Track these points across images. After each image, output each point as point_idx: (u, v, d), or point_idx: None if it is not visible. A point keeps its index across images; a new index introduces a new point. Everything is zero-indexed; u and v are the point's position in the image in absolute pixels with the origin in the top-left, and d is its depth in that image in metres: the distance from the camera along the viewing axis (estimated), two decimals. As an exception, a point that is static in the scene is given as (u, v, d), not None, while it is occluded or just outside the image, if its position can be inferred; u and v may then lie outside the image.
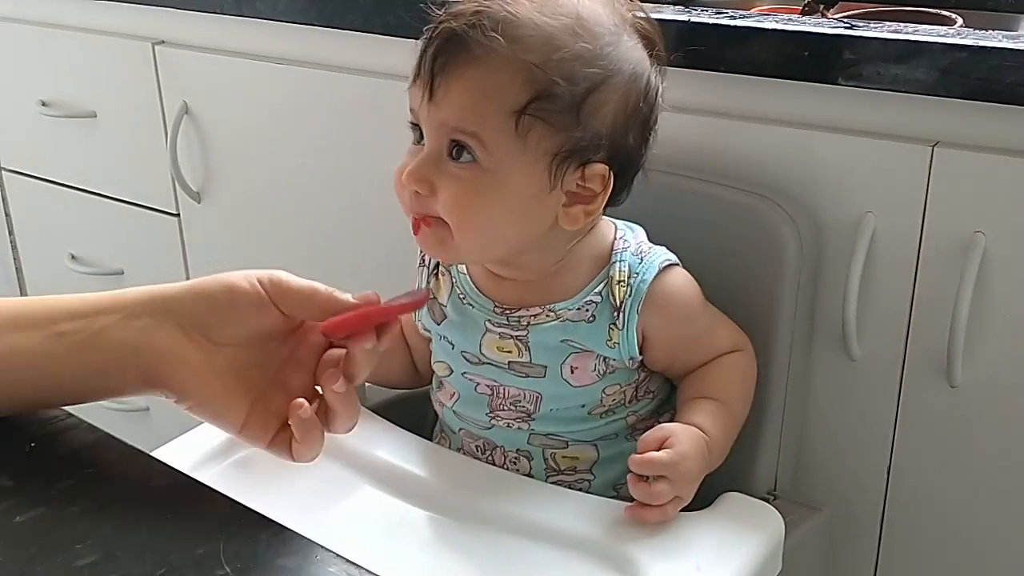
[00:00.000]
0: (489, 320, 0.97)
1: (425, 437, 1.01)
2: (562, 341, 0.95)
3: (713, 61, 1.06)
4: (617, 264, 0.95)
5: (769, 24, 1.05)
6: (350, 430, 0.75)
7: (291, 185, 1.53)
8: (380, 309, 0.74)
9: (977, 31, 0.99)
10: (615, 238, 0.97)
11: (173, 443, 0.97)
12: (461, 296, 0.99)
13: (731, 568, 0.84)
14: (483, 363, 0.98)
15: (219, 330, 0.71)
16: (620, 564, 0.83)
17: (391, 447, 0.98)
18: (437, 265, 1.02)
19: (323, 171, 1.48)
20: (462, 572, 0.87)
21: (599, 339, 0.95)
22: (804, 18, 1.13)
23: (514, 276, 0.97)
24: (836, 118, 1.06)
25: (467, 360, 0.99)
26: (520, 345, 0.96)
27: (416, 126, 0.91)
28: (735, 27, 1.06)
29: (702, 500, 0.95)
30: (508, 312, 0.97)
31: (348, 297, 0.74)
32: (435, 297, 1.01)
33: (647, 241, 0.98)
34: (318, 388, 0.74)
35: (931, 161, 1.00)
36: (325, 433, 0.73)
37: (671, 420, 1.00)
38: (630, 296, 0.94)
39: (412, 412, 1.12)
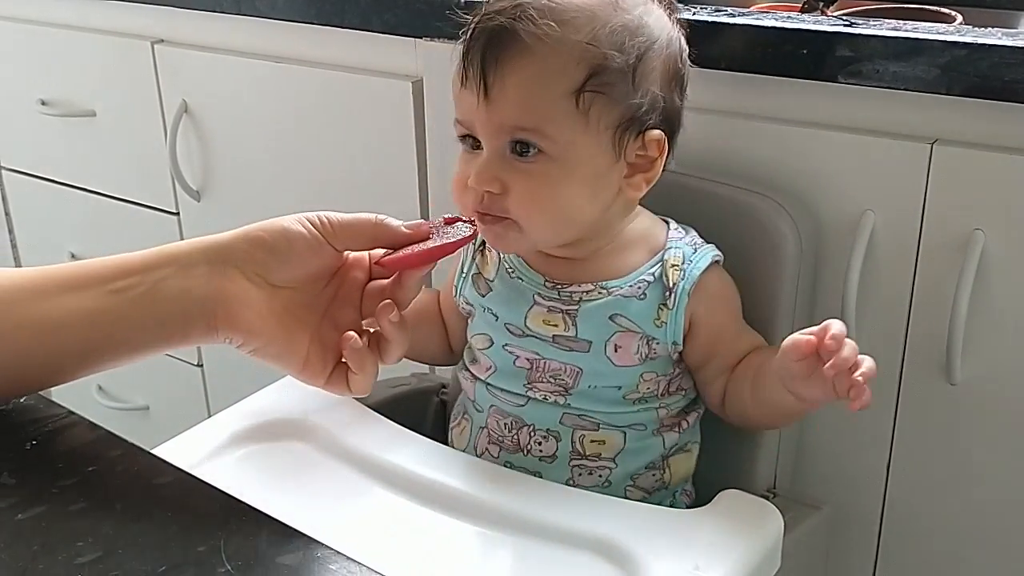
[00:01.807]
0: (538, 293, 0.98)
1: (424, 435, 1.01)
2: (610, 318, 0.96)
3: (712, 59, 1.06)
4: (672, 250, 0.98)
5: (768, 22, 1.05)
6: (401, 359, 0.79)
7: (290, 184, 1.53)
8: (440, 247, 0.80)
9: (977, 28, 0.99)
10: (670, 229, 1.00)
11: (174, 441, 0.97)
12: (510, 270, 1.00)
13: (730, 565, 0.84)
14: (526, 336, 0.98)
15: (277, 273, 0.74)
16: (620, 561, 0.83)
17: (392, 446, 0.98)
18: (483, 242, 1.02)
19: (323, 170, 1.48)
20: (463, 569, 0.87)
21: (647, 317, 0.96)
22: (803, 16, 1.13)
23: (567, 255, 0.98)
24: (835, 116, 1.06)
25: (510, 332, 0.99)
26: (568, 319, 0.97)
27: (467, 136, 0.92)
28: (734, 24, 1.06)
29: (701, 498, 0.95)
30: (560, 287, 0.98)
31: (399, 224, 0.78)
32: (481, 272, 1.02)
33: (700, 238, 1.00)
34: (364, 324, 0.79)
35: (930, 158, 1.00)
36: (377, 368, 0.78)
37: (698, 419, 1.03)
38: (683, 279, 0.96)
39: (412, 411, 1.12)
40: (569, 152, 0.89)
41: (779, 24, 1.04)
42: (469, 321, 1.04)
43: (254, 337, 0.74)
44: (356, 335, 0.76)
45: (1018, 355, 1.02)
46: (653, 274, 0.96)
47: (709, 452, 1.05)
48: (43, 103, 1.81)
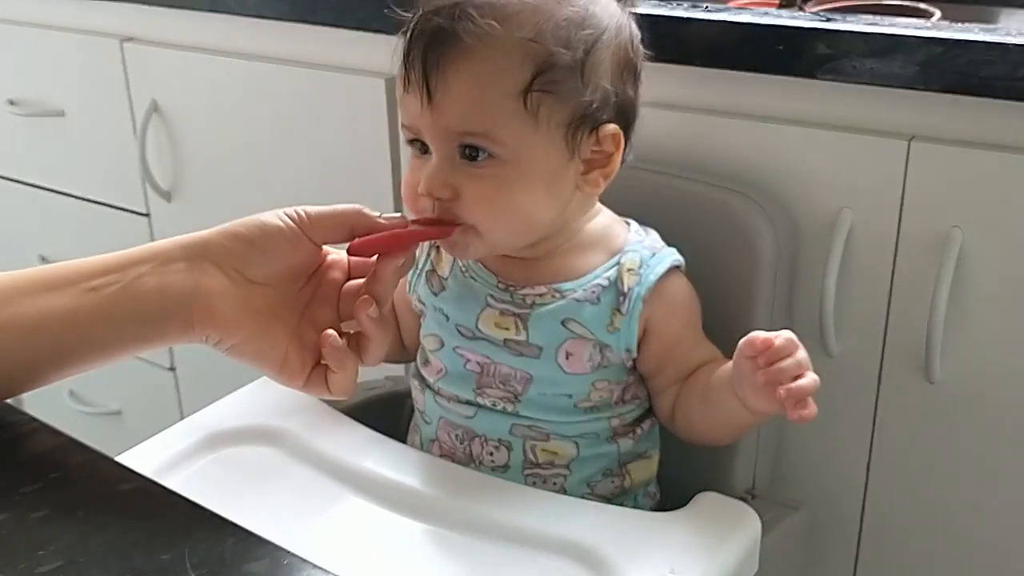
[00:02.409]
0: (491, 295, 0.96)
1: (398, 439, 1.00)
2: (562, 322, 0.93)
3: (688, 55, 1.06)
4: (630, 254, 0.95)
5: (745, 18, 1.05)
6: (381, 360, 0.78)
7: (263, 182, 1.52)
8: (410, 232, 0.80)
9: (954, 24, 0.99)
10: (630, 231, 0.98)
11: (139, 447, 0.95)
12: (463, 269, 0.98)
13: (706, 568, 0.83)
14: (477, 338, 0.96)
15: (256, 268, 0.74)
16: (594, 565, 0.82)
17: (363, 450, 0.97)
18: None
19: (295, 168, 1.47)
20: (434, 574, 0.86)
21: (600, 322, 0.93)
22: (781, 11, 1.12)
23: (523, 255, 0.95)
24: (812, 112, 1.05)
25: (461, 334, 0.97)
26: (519, 323, 0.94)
27: (416, 140, 0.90)
28: (711, 21, 1.05)
29: (679, 500, 0.94)
30: (512, 289, 0.95)
31: (376, 215, 0.78)
32: (435, 270, 1.00)
33: (661, 241, 0.98)
34: (343, 326, 0.78)
35: (908, 155, 1.00)
36: (358, 368, 0.77)
37: (652, 428, 1.01)
38: (638, 284, 0.93)
39: (385, 414, 1.10)
40: (520, 154, 0.86)
41: (756, 20, 1.04)
42: (422, 320, 1.02)
43: (231, 333, 0.73)
44: (335, 333, 0.76)
45: (997, 353, 1.02)
46: (608, 278, 0.94)
47: (687, 454, 1.04)
48: (11, 103, 1.79)
